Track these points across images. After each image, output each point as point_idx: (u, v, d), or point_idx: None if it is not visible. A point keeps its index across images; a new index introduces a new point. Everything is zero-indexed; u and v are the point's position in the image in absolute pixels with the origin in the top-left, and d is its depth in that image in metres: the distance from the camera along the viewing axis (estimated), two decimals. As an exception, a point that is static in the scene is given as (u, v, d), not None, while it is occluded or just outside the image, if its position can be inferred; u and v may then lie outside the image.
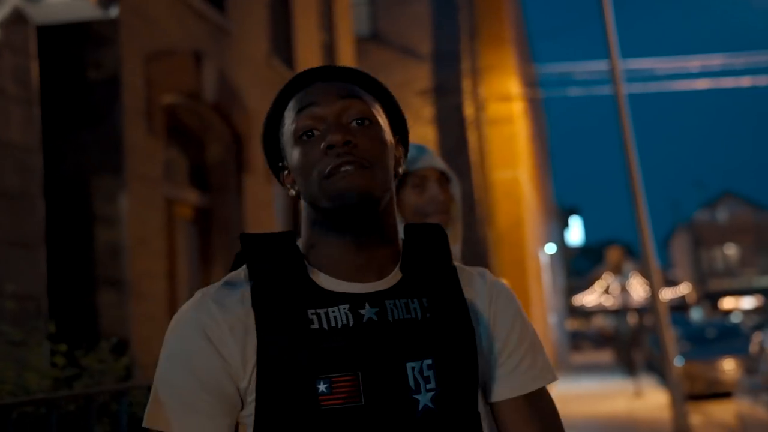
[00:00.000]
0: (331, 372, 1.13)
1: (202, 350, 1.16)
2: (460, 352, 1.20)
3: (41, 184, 5.57)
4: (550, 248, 28.27)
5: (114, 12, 5.71)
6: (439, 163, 2.23)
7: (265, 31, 10.18)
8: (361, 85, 1.29)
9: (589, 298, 44.10)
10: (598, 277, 44.71)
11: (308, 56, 11.69)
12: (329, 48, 13.08)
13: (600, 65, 16.83)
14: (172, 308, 7.63)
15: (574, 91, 19.51)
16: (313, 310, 1.16)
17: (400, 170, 1.29)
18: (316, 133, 1.21)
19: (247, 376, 1.15)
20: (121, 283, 6.62)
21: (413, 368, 1.17)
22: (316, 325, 1.15)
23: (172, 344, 1.18)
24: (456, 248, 2.18)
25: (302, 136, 1.22)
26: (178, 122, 8.41)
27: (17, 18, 5.35)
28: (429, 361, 1.18)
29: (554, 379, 1.31)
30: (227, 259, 8.80)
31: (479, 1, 17.73)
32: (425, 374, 1.18)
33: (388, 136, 1.26)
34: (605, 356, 34.76)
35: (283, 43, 10.99)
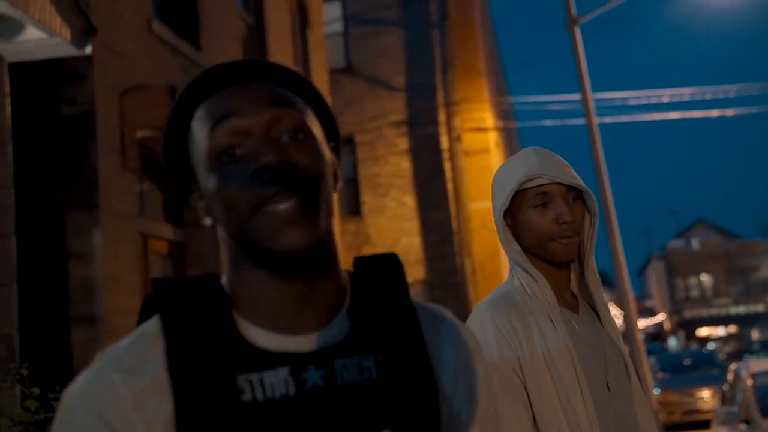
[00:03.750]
0: None
1: None
2: (423, 416, 0.98)
3: (13, 222, 5.50)
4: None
5: (89, 49, 5.69)
6: (566, 176, 1.86)
7: (239, 65, 10.19)
8: (288, 84, 1.04)
9: (566, 327, 44.09)
10: (574, 306, 44.71)
11: (283, 90, 11.71)
12: (304, 81, 13.12)
13: (573, 96, 17.01)
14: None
15: (548, 122, 19.71)
16: (244, 376, 0.93)
17: (338, 186, 1.05)
18: (238, 151, 0.96)
19: None
20: (94, 320, 6.54)
21: None
22: (248, 396, 0.92)
23: None
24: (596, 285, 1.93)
25: (221, 157, 0.97)
26: (153, 156, 8.37)
27: (-10, 55, 5.33)
28: None
29: None
30: (202, 294, 8.73)
31: (452, 33, 17.89)
32: None
33: (326, 148, 1.02)
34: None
35: (258, 77, 11.01)
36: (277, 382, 0.93)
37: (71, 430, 0.91)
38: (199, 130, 1.00)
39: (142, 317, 1.02)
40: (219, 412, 0.90)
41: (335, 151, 1.08)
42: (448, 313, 1.11)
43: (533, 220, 1.85)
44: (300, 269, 0.97)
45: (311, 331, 0.98)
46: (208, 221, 1.04)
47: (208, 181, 0.98)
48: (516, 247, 1.89)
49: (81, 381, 0.94)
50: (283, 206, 0.93)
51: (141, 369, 0.92)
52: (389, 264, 1.06)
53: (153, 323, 0.97)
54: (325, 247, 0.99)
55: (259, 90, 0.99)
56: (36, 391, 3.23)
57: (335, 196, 1.08)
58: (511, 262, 1.92)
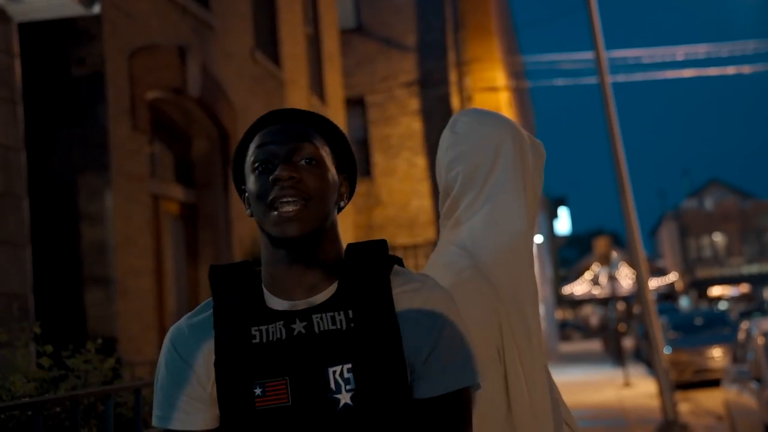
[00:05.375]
0: (264, 378, 1.37)
1: (174, 360, 1.43)
2: (381, 356, 1.37)
3: (26, 183, 5.53)
4: (538, 238, 28.35)
5: (96, 8, 5.66)
6: None
7: (249, 25, 10.13)
8: (316, 127, 1.48)
9: (578, 287, 44.29)
10: (586, 267, 44.87)
11: (293, 50, 11.64)
12: (314, 41, 13.03)
13: (585, 55, 16.85)
14: (159, 305, 7.61)
15: (560, 81, 19.55)
16: (256, 328, 1.39)
17: (343, 203, 1.48)
18: (269, 166, 1.41)
19: (210, 382, 1.40)
20: (107, 281, 6.59)
21: (334, 372, 1.36)
22: (257, 340, 1.39)
23: (159, 357, 1.45)
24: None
25: (258, 168, 1.41)
26: (163, 118, 8.37)
27: (-2, 16, 5.31)
28: (348, 365, 1.36)
29: (470, 381, 1.39)
30: (214, 254, 8.77)
31: (464, -7, 17.70)
32: (345, 377, 1.36)
33: (332, 174, 1.45)
34: (594, 346, 34.90)
35: (267, 37, 10.95)
36: (275, 330, 1.40)
37: (163, 352, 1.44)
38: (251, 148, 1.46)
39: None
40: (238, 350, 1.39)
41: (348, 179, 1.52)
42: (430, 282, 1.45)
43: None
44: (296, 249, 1.40)
45: (307, 296, 1.42)
46: (248, 212, 1.46)
47: (249, 182, 1.44)
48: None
49: (171, 328, 1.47)
50: (288, 207, 1.36)
51: (201, 324, 1.44)
52: (376, 247, 1.46)
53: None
54: (317, 237, 1.41)
55: (292, 129, 1.44)
56: (49, 349, 3.26)
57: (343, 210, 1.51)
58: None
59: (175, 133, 8.72)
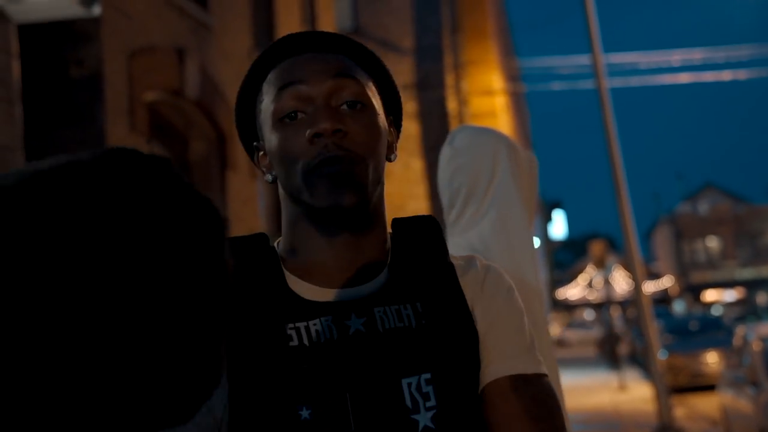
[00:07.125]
0: (314, 395, 0.97)
1: None
2: (462, 362, 1.04)
3: (23, 184, 5.51)
4: (535, 242, 28.35)
5: (97, 10, 5.65)
6: None
7: (247, 26, 10.13)
8: (354, 56, 1.11)
9: (573, 291, 44.33)
10: (581, 271, 44.88)
11: (291, 52, 11.64)
12: (312, 43, 13.03)
13: (582, 59, 16.87)
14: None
15: (556, 86, 19.57)
16: (291, 325, 1.01)
17: (393, 156, 1.13)
18: (300, 115, 1.04)
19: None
20: (104, 282, 6.58)
21: (410, 384, 1.00)
22: (295, 342, 1.00)
23: None
24: None
25: (284, 119, 1.04)
26: (161, 119, 8.36)
27: (-3, 16, 5.30)
28: (427, 376, 1.00)
29: (537, 368, 1.08)
30: (211, 256, 8.76)
31: (462, -4, 17.71)
32: (424, 391, 1.00)
33: (382, 120, 1.09)
34: (589, 350, 34.95)
35: (265, 38, 10.94)
36: (322, 328, 1.01)
37: None
38: (268, 92, 1.07)
39: None
40: (269, 355, 0.98)
41: (395, 124, 1.17)
42: (472, 259, 1.15)
43: None
44: (346, 225, 1.05)
45: (355, 285, 1.06)
46: (269, 178, 1.11)
47: (271, 141, 1.06)
48: None
49: None
50: (334, 169, 1.01)
51: None
52: (427, 224, 1.13)
53: None
54: (370, 207, 1.08)
55: (325, 60, 1.06)
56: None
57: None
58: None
59: (172, 135, 8.71)
